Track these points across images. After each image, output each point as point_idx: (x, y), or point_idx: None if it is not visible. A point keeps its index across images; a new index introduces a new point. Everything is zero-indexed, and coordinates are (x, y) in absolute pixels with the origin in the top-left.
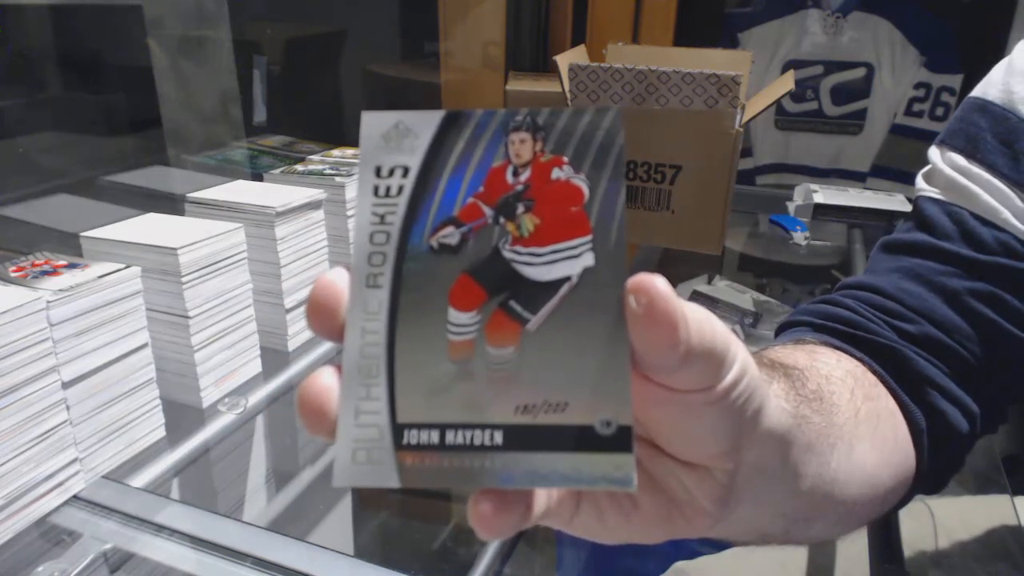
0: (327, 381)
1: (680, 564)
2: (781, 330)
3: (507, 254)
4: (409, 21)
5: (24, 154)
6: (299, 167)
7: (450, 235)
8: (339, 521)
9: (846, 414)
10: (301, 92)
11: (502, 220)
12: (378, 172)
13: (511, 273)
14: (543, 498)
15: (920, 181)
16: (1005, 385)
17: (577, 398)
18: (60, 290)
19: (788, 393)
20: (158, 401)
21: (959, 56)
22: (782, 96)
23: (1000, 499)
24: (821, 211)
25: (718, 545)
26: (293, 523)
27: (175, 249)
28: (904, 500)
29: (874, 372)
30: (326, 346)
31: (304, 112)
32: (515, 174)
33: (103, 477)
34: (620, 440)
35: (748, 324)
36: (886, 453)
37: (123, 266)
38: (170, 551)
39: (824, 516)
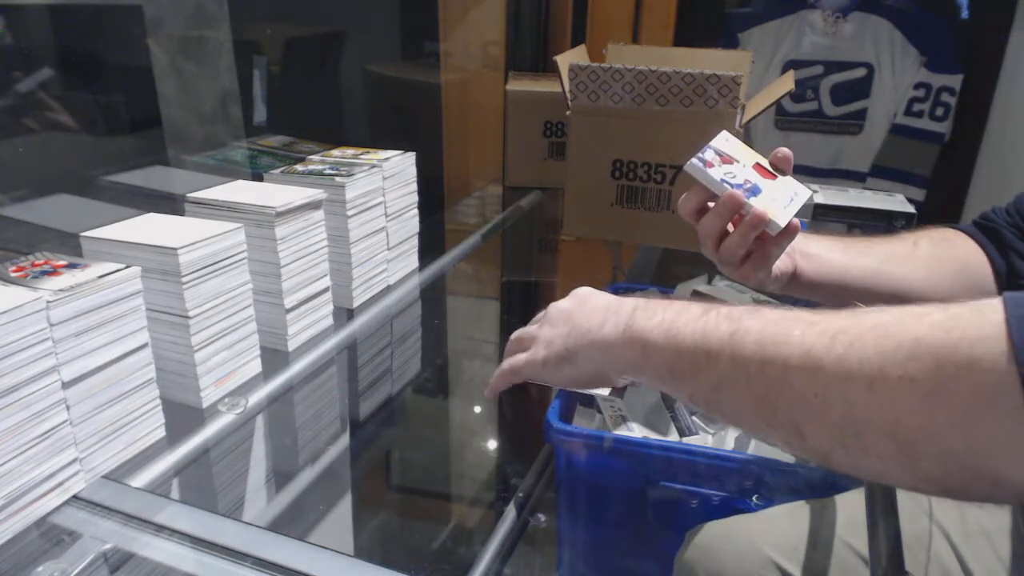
0: None
1: (696, 529)
2: None
3: None
4: (409, 21)
5: (24, 154)
6: (299, 167)
7: None
8: (339, 521)
9: (893, 244)
10: (301, 92)
11: None
12: None
13: None
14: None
15: None
16: None
17: None
18: (60, 290)
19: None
20: (158, 401)
21: (959, 56)
22: (782, 96)
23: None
24: (821, 211)
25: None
26: (293, 523)
27: (175, 249)
28: None
29: (973, 237)
30: (326, 346)
31: (304, 112)
32: None
33: (103, 477)
34: None
35: None
36: (942, 272)
37: (123, 266)
38: (170, 551)
39: (873, 299)
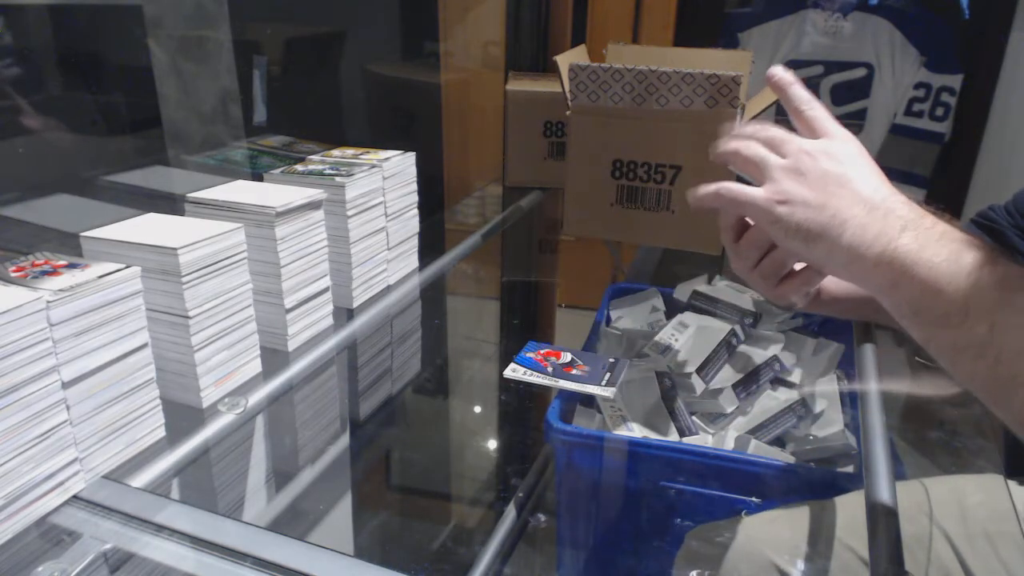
0: None
1: (696, 531)
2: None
3: None
4: (409, 21)
5: (24, 154)
6: (299, 167)
7: None
8: (339, 521)
9: None
10: (301, 92)
11: None
12: None
13: None
14: None
15: None
16: None
17: None
18: (60, 290)
19: None
20: (158, 401)
21: (959, 56)
22: None
23: (999, 497)
24: None
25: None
26: (293, 523)
27: (175, 249)
28: None
29: (978, 238)
30: (326, 346)
31: (304, 112)
32: None
33: (103, 477)
34: None
35: (748, 324)
36: None
37: (123, 266)
38: (170, 551)
39: None
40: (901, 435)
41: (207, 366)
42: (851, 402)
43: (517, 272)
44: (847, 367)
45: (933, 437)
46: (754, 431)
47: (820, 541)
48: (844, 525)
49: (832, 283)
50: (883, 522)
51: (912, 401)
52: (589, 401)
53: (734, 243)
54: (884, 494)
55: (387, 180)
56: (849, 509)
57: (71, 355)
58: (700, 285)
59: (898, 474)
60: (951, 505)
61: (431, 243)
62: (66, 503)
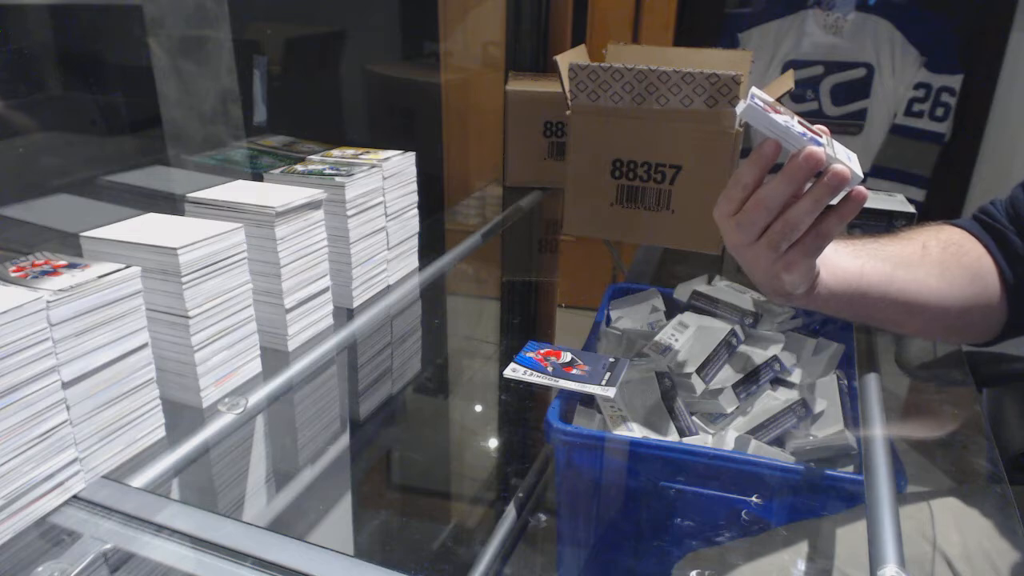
0: None
1: (692, 554)
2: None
3: None
4: (409, 21)
5: (24, 154)
6: (299, 167)
7: None
8: (339, 521)
9: (901, 245)
10: (301, 92)
11: None
12: None
13: None
14: None
15: None
16: None
17: None
18: (60, 290)
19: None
20: (158, 401)
21: (959, 56)
22: (782, 96)
23: (1000, 511)
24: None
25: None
26: (293, 523)
27: (175, 249)
28: (999, 337)
29: (980, 240)
30: (326, 346)
31: (304, 112)
32: None
33: (103, 477)
34: None
35: (748, 324)
36: (954, 281)
37: (123, 266)
38: (170, 551)
39: (888, 307)
40: (901, 435)
41: (207, 366)
42: (851, 402)
43: (517, 272)
44: (847, 367)
45: (933, 437)
46: (754, 431)
47: (817, 570)
48: (844, 554)
49: (829, 276)
50: (885, 547)
51: (912, 401)
52: (589, 401)
53: (732, 216)
54: (884, 494)
55: (387, 180)
56: (850, 538)
57: (71, 355)
58: (700, 285)
59: (899, 475)
60: (951, 527)
61: (431, 243)
62: (66, 503)
